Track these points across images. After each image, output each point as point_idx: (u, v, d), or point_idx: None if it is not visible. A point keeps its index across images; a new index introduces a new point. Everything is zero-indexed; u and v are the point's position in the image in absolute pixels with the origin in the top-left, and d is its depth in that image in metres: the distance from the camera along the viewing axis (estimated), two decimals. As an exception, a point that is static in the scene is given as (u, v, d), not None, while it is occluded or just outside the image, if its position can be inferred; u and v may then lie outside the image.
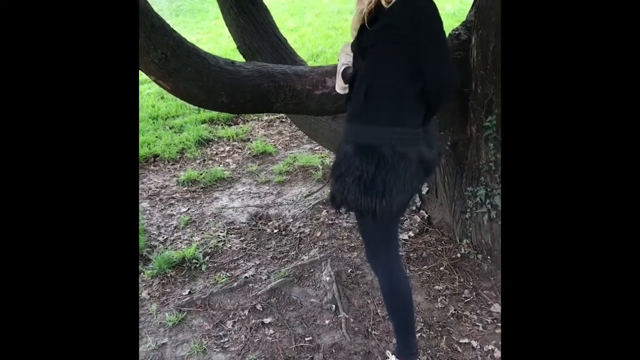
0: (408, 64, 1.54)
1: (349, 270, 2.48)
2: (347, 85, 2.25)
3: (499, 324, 2.08)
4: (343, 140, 1.72)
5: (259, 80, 2.33)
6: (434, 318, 2.15)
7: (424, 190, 2.82)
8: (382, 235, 1.74)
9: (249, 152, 4.03)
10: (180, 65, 1.92)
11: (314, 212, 3.05)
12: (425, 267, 2.47)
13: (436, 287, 2.34)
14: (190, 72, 1.96)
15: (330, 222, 2.91)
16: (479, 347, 1.99)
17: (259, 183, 3.53)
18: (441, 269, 2.45)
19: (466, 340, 2.02)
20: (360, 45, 1.63)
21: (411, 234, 2.73)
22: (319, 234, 2.80)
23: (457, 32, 2.45)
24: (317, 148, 4.03)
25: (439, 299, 2.26)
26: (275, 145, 4.18)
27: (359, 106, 1.65)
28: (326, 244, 2.70)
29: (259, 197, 3.33)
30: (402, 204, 1.62)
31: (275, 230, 2.88)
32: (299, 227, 2.90)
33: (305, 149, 4.07)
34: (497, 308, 2.18)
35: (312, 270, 2.49)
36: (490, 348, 1.98)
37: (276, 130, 4.50)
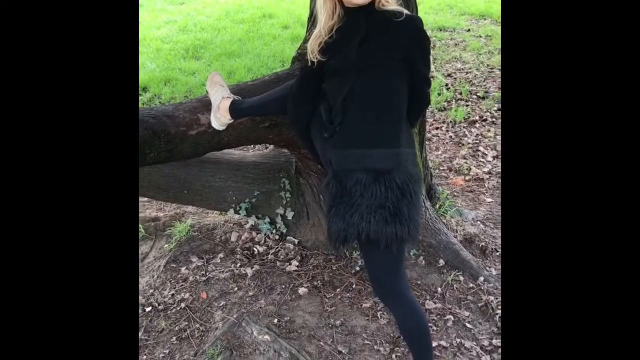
0: (406, 83, 1.54)
1: (275, 321, 2.18)
2: (231, 120, 1.96)
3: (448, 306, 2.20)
4: (346, 167, 1.54)
5: (134, 130, 1.84)
6: (389, 336, 2.12)
7: (289, 215, 2.69)
8: (396, 266, 1.64)
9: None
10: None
11: (172, 274, 2.53)
12: (339, 289, 2.38)
13: (365, 304, 2.29)
14: None
15: (202, 277, 2.47)
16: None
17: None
18: (354, 286, 2.40)
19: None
20: (359, 62, 1.49)
21: (296, 262, 2.57)
22: (204, 295, 2.35)
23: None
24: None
25: (378, 314, 2.22)
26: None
27: (366, 128, 1.52)
28: (223, 302, 2.30)
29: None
30: (420, 225, 1.58)
31: (149, 309, 2.28)
32: (172, 295, 2.37)
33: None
34: (432, 304, 2.29)
35: (239, 335, 2.09)
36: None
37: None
